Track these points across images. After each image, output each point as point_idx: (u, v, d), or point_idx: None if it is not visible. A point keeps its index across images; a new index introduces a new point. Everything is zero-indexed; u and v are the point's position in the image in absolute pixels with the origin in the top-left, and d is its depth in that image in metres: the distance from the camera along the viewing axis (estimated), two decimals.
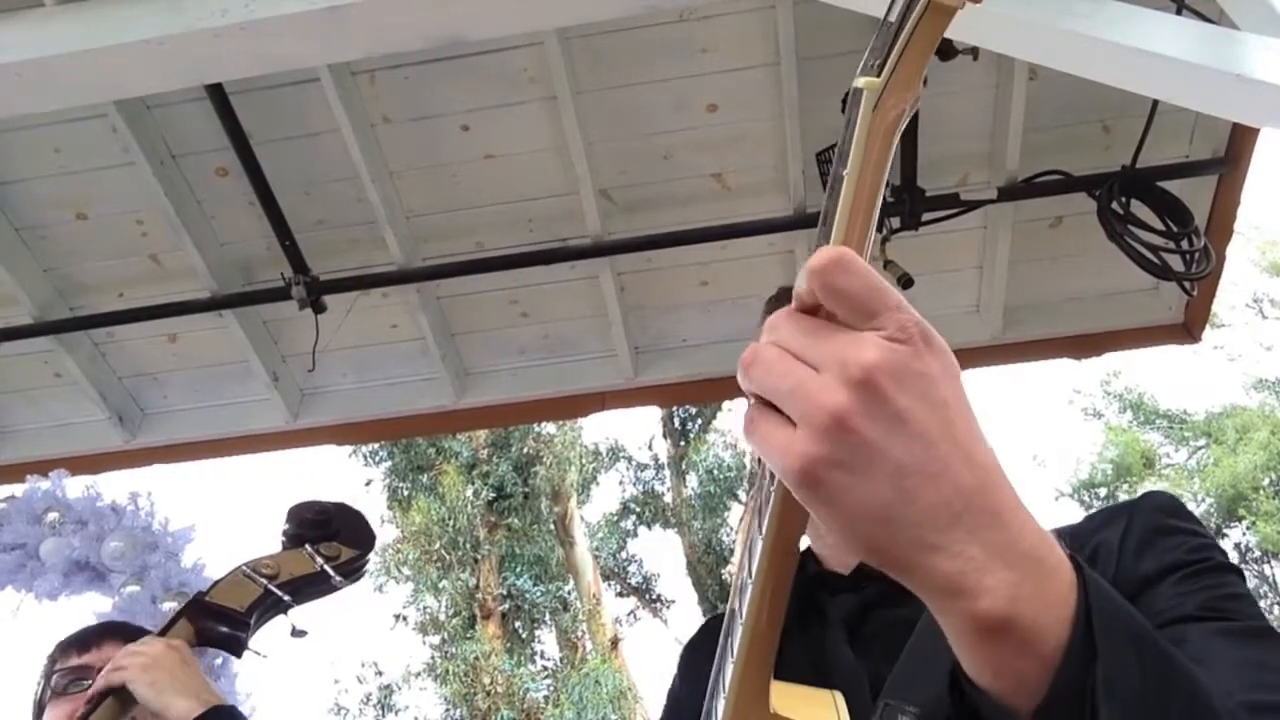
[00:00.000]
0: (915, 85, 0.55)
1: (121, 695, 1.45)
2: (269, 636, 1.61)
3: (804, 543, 1.17)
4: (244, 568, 1.58)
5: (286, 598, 1.57)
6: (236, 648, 1.55)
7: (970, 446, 0.53)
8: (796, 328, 0.56)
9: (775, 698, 0.71)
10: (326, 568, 1.57)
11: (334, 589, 1.60)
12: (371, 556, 1.68)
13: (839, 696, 0.77)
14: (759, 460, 0.61)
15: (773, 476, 0.61)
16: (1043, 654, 0.52)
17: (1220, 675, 0.68)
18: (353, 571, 1.62)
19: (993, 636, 0.52)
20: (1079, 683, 0.52)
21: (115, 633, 1.89)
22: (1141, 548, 0.85)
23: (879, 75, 0.55)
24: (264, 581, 1.55)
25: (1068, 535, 0.94)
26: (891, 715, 0.77)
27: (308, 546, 1.59)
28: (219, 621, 1.54)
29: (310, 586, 1.59)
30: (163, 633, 1.56)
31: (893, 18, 0.54)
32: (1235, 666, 0.70)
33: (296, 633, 1.60)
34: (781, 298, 1.27)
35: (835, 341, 0.53)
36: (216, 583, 1.58)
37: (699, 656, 1.21)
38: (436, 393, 3.18)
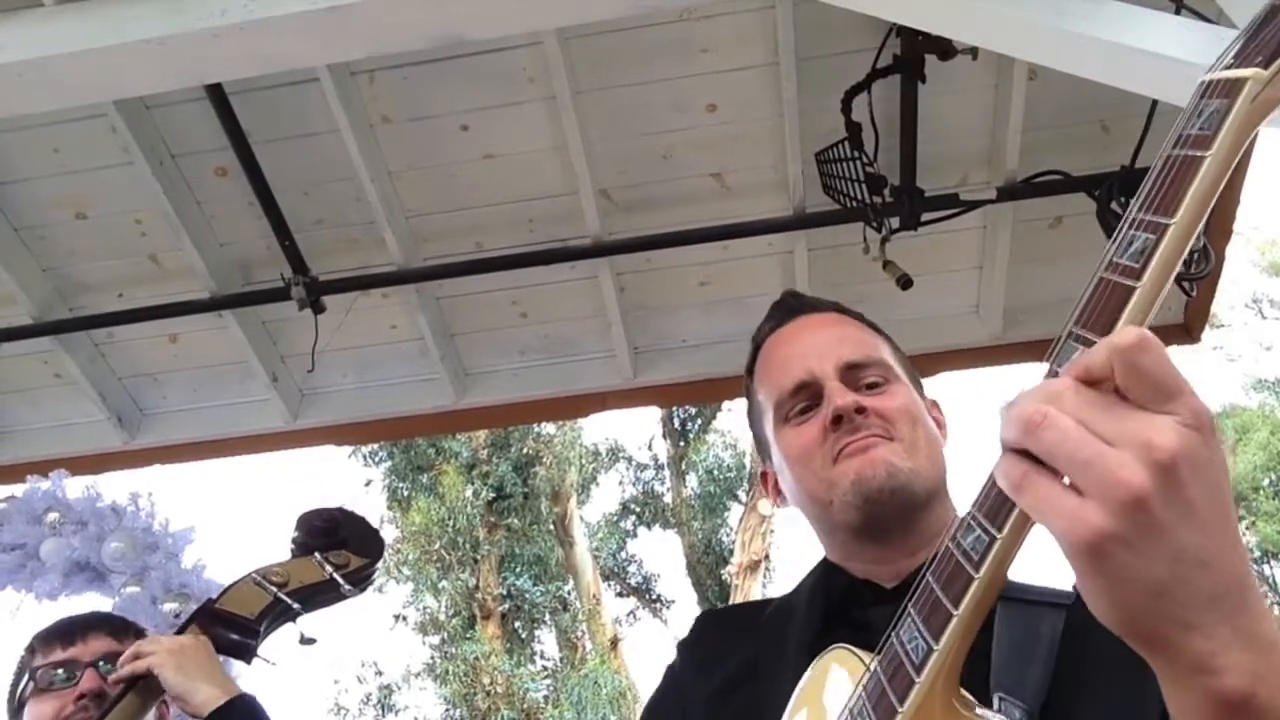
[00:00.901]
0: None
1: (143, 689, 1.46)
2: (277, 644, 1.61)
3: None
4: (254, 575, 1.58)
5: (296, 605, 1.57)
6: (246, 655, 1.55)
7: (1235, 535, 0.57)
8: (1090, 400, 0.57)
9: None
10: (336, 576, 1.58)
11: (343, 597, 1.61)
12: (380, 566, 1.68)
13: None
14: (990, 494, 0.63)
15: (989, 515, 0.64)
16: None
17: None
18: (362, 580, 1.62)
19: (1232, 713, 0.56)
20: None
21: (99, 625, 1.86)
22: None
23: (1266, 69, 0.57)
24: (274, 589, 1.56)
25: None
26: (1009, 710, 0.83)
27: (317, 554, 1.59)
28: (229, 628, 1.54)
29: (320, 594, 1.59)
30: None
31: None
32: None
33: (305, 640, 1.61)
34: (783, 307, 1.25)
35: (1137, 421, 0.55)
36: (226, 590, 1.58)
37: (709, 647, 1.21)
38: (436, 393, 3.18)
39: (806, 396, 1.13)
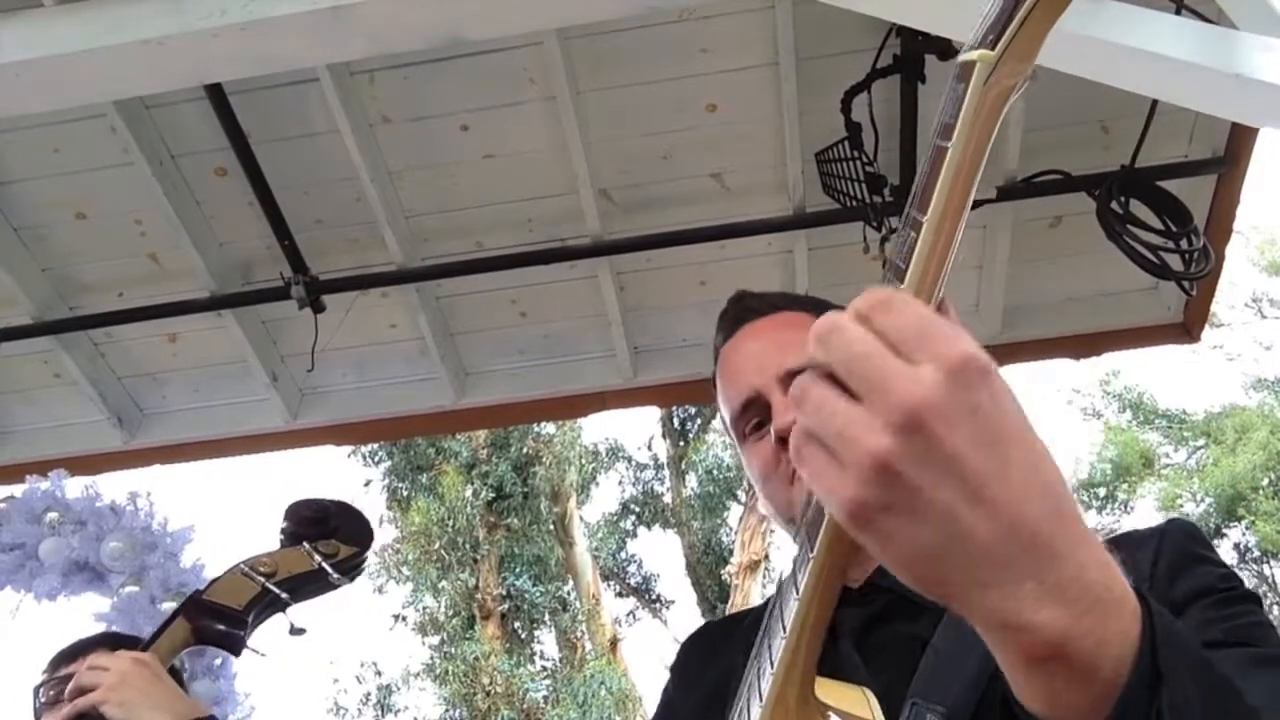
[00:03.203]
0: (1030, 60, 0.55)
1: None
2: (268, 635, 1.61)
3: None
4: (242, 566, 1.57)
5: (285, 596, 1.56)
6: (235, 646, 1.55)
7: (1027, 482, 0.51)
8: (847, 354, 0.53)
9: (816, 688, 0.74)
10: (325, 565, 1.57)
11: (332, 587, 1.60)
12: (370, 555, 1.68)
13: (869, 693, 0.78)
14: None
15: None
16: (1097, 686, 0.52)
17: (1250, 700, 0.71)
18: (351, 569, 1.62)
19: (1044, 668, 0.52)
20: (1144, 708, 0.52)
21: (101, 643, 1.89)
22: (1173, 573, 0.86)
23: (993, 49, 0.53)
24: (262, 579, 1.55)
25: None
26: (920, 714, 0.80)
27: (306, 544, 1.59)
28: (217, 620, 1.54)
29: (309, 584, 1.59)
30: (160, 631, 1.55)
31: None
32: (1264, 693, 0.71)
33: (295, 630, 1.60)
34: (728, 317, 1.24)
35: (881, 375, 0.51)
36: (214, 581, 1.58)
37: (695, 662, 1.21)
38: (436, 393, 3.18)
39: (756, 412, 1.12)
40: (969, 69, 0.54)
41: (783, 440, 1.07)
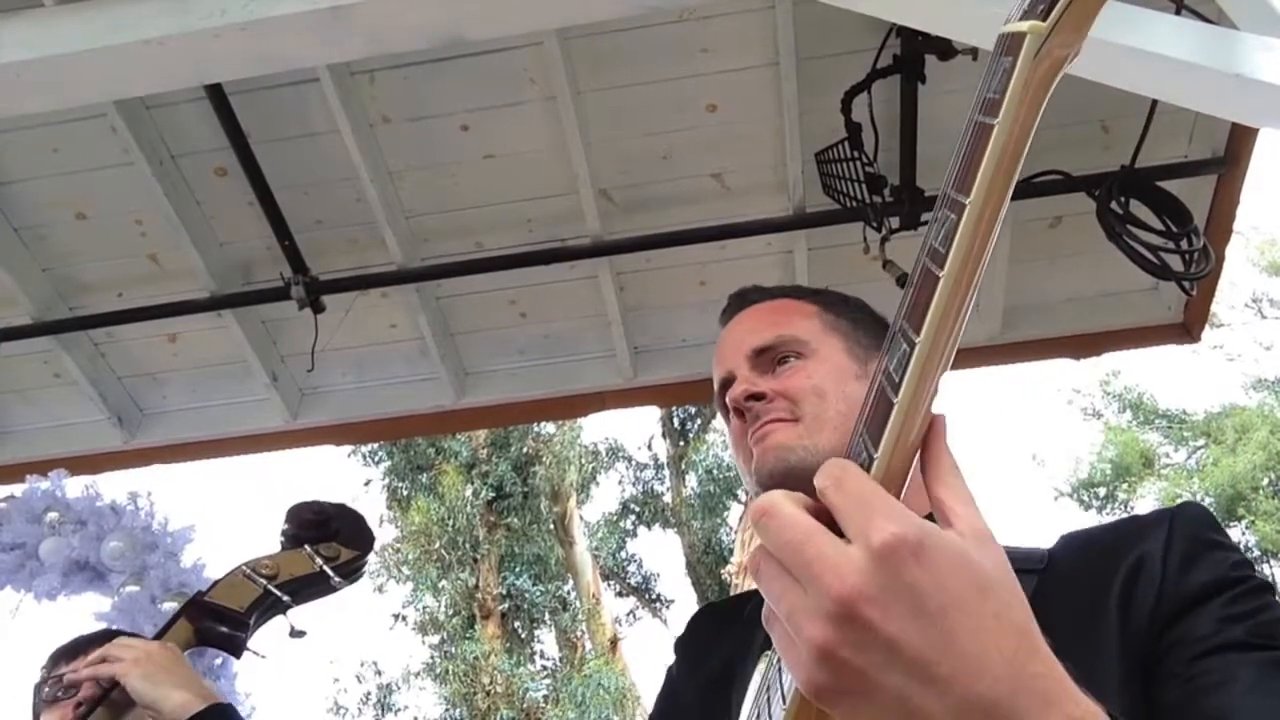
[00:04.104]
0: (1084, 31, 0.53)
1: (114, 700, 1.44)
2: (268, 637, 1.61)
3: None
4: (243, 568, 1.58)
5: (286, 598, 1.57)
6: (236, 648, 1.55)
7: (982, 654, 0.50)
8: (777, 542, 0.54)
9: None
10: (326, 568, 1.58)
11: (333, 589, 1.61)
12: (371, 557, 1.68)
13: None
14: None
15: None
16: None
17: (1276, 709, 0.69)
18: (352, 572, 1.62)
19: None
20: None
21: (104, 639, 1.89)
22: (1186, 563, 0.85)
23: (1044, 19, 0.52)
24: (263, 582, 1.56)
25: (1097, 542, 0.94)
26: None
27: (307, 547, 1.59)
28: (218, 621, 1.54)
29: (309, 587, 1.59)
30: (162, 632, 1.56)
31: None
32: None
33: (295, 633, 1.60)
34: (724, 312, 1.26)
35: (809, 565, 0.52)
36: (216, 583, 1.59)
37: (700, 643, 1.21)
38: (436, 393, 3.18)
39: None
40: (1018, 40, 0.53)
41: (738, 411, 1.11)
